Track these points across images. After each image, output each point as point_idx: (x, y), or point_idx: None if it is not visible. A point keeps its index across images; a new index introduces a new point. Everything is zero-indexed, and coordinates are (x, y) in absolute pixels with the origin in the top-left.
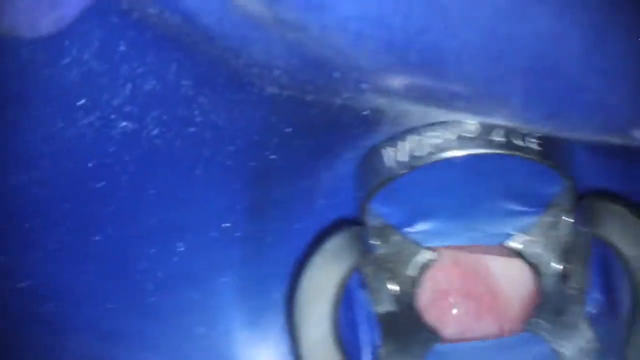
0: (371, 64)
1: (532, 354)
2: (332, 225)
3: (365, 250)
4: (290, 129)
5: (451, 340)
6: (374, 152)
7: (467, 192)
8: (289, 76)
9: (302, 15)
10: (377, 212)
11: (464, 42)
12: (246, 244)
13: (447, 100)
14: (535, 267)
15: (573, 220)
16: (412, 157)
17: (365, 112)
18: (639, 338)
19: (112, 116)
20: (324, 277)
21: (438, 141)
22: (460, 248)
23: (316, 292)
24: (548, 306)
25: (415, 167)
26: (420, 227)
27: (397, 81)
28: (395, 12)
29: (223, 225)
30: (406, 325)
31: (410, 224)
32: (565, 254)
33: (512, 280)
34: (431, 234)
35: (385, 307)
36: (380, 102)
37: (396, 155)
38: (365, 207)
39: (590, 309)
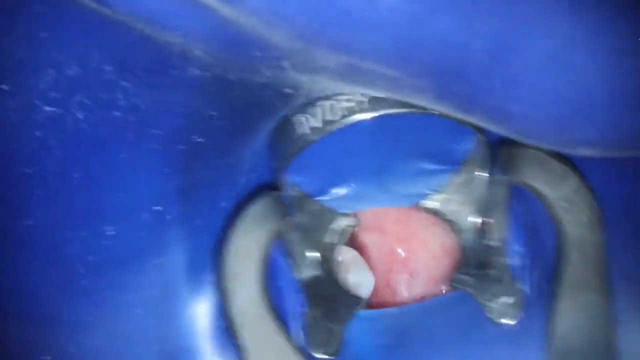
0: (287, 45)
1: (462, 314)
2: (253, 192)
3: (286, 214)
4: (215, 112)
5: (378, 304)
6: (287, 121)
7: (379, 154)
8: (210, 56)
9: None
10: (293, 181)
11: (373, 45)
12: (177, 226)
13: (368, 83)
14: (453, 224)
15: (488, 175)
16: (325, 122)
17: (288, 90)
18: (567, 286)
19: (36, 101)
20: (248, 242)
21: (350, 104)
22: (377, 211)
23: (242, 257)
24: (470, 261)
25: (329, 131)
26: (336, 192)
27: (316, 62)
28: (299, 11)
29: (154, 208)
30: (329, 290)
31: (325, 190)
32: (483, 209)
33: (431, 240)
34: (347, 199)
35: (308, 273)
36: (302, 79)
37: (309, 121)
38: (281, 176)
39: (513, 261)
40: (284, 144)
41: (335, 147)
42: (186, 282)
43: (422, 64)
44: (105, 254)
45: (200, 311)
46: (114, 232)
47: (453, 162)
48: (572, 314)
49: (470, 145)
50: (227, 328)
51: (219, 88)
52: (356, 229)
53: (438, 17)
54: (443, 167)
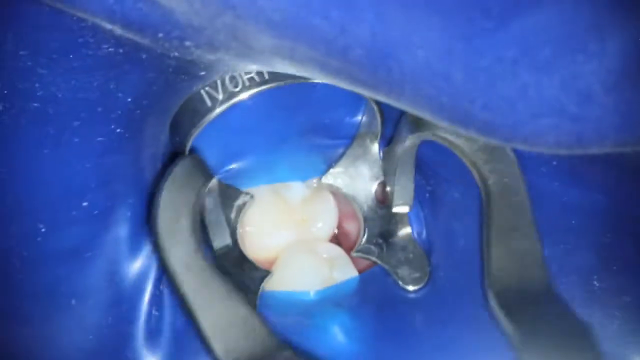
0: (188, 23)
1: (377, 289)
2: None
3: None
4: (130, 98)
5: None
6: (194, 95)
7: (276, 129)
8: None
9: None
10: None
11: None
12: (105, 219)
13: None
14: (352, 197)
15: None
16: (226, 94)
17: (195, 70)
18: (496, 231)
19: None
20: (177, 201)
21: (250, 75)
22: (274, 186)
23: (174, 217)
24: (374, 231)
25: (230, 104)
26: (234, 168)
27: (215, 41)
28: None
29: (83, 204)
30: (237, 262)
31: (224, 165)
32: (381, 179)
33: (330, 213)
34: (245, 174)
35: (220, 243)
36: (207, 58)
37: (210, 94)
38: (185, 149)
39: (418, 229)
40: (186, 118)
41: (233, 123)
42: (121, 270)
43: (309, 58)
44: (39, 249)
45: (138, 298)
46: (44, 229)
47: (346, 136)
48: (503, 257)
49: (363, 117)
50: (169, 285)
51: (132, 67)
52: (253, 204)
53: (316, 17)
54: (337, 141)
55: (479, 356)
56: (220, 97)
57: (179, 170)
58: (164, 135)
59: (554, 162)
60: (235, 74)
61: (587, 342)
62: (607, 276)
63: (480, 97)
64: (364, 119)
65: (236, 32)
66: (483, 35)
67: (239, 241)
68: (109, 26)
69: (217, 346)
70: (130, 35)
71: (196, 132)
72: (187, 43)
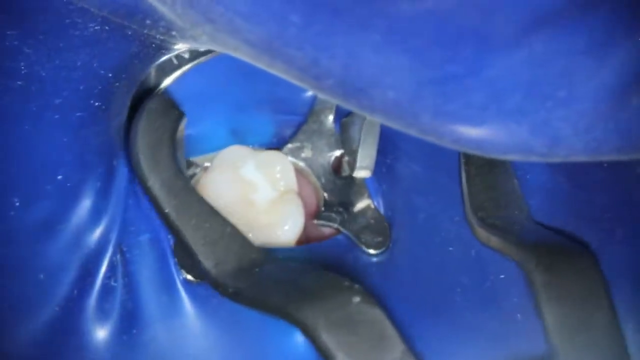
0: (173, 21)
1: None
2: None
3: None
4: (111, 74)
5: None
6: None
7: (234, 96)
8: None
9: None
10: None
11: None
12: (77, 192)
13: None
14: (310, 169)
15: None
16: (195, 54)
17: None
18: (473, 163)
19: None
20: (157, 128)
21: None
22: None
23: (154, 141)
24: (333, 200)
25: (196, 63)
26: (192, 133)
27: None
28: None
29: (57, 177)
30: None
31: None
32: (338, 152)
33: (296, 216)
34: (201, 139)
35: None
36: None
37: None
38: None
39: (376, 202)
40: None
41: (193, 89)
42: (86, 241)
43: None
44: (11, 223)
45: (99, 270)
46: (18, 203)
47: (301, 112)
48: (484, 190)
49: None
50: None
51: (117, 44)
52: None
53: (290, 48)
54: (293, 117)
55: (438, 320)
56: (187, 55)
57: (153, 104)
58: (129, 101)
59: None
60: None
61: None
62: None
63: (448, 136)
64: (319, 95)
65: (216, 40)
66: (453, 80)
67: None
68: (97, 12)
69: (206, 260)
70: (117, 19)
71: (160, 92)
72: (174, 32)
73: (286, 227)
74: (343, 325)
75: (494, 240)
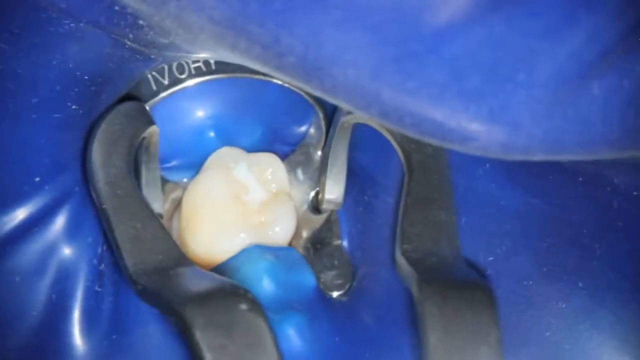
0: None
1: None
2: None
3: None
4: (87, 76)
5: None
6: (141, 78)
7: (224, 127)
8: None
9: None
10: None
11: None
12: (54, 194)
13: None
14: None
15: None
16: (174, 79)
17: (153, 55)
18: (414, 200)
19: None
20: (117, 132)
21: (197, 64)
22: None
23: (110, 145)
24: (305, 235)
25: (174, 90)
26: (177, 162)
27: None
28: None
29: (35, 179)
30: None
31: (169, 159)
32: (318, 184)
33: (288, 217)
34: (185, 167)
35: None
36: (163, 41)
37: (159, 78)
38: None
39: (349, 239)
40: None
41: (182, 120)
42: (65, 245)
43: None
44: None
45: (81, 274)
46: None
47: (290, 143)
48: (417, 224)
49: (309, 128)
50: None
51: (91, 44)
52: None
53: (252, 24)
54: (283, 147)
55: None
56: (166, 82)
57: (122, 108)
58: None
59: (487, 165)
60: (183, 61)
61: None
62: (543, 282)
63: (408, 117)
64: (312, 130)
65: (181, 22)
66: (413, 58)
67: (177, 236)
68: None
69: (128, 258)
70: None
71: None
72: (141, 22)
73: (277, 229)
74: (221, 328)
75: (406, 271)
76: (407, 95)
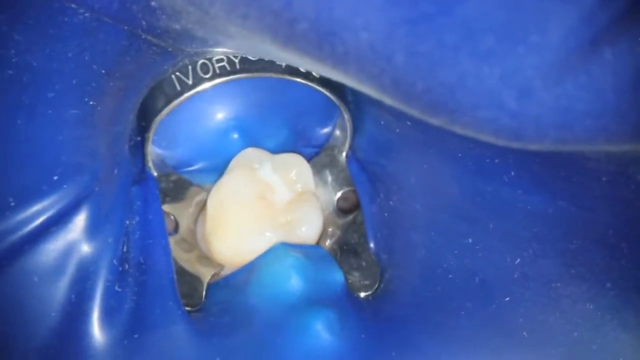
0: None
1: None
2: None
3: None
4: (104, 70)
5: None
6: (165, 79)
7: (249, 129)
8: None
9: None
10: (156, 153)
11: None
12: (73, 193)
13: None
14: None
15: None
16: (198, 79)
17: (167, 45)
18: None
19: None
20: None
21: (221, 64)
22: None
23: None
24: (332, 237)
25: (198, 90)
26: (198, 166)
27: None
28: None
29: (53, 178)
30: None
31: (187, 163)
32: (346, 188)
33: (315, 216)
34: (207, 171)
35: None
36: (175, 27)
37: (183, 78)
38: (149, 134)
39: (375, 243)
40: (154, 102)
41: (206, 122)
42: (85, 245)
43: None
44: (5, 223)
45: (101, 274)
46: (14, 203)
47: (315, 145)
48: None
49: (334, 130)
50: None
51: (107, 35)
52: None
53: None
54: (307, 149)
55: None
56: (190, 82)
57: None
58: (133, 115)
59: (512, 172)
60: (207, 60)
61: None
62: (571, 283)
63: (420, 81)
64: (337, 132)
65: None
66: (425, 19)
67: (201, 238)
68: None
69: None
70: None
71: (161, 117)
72: (153, 3)
73: (304, 228)
74: None
75: None
76: (420, 58)
